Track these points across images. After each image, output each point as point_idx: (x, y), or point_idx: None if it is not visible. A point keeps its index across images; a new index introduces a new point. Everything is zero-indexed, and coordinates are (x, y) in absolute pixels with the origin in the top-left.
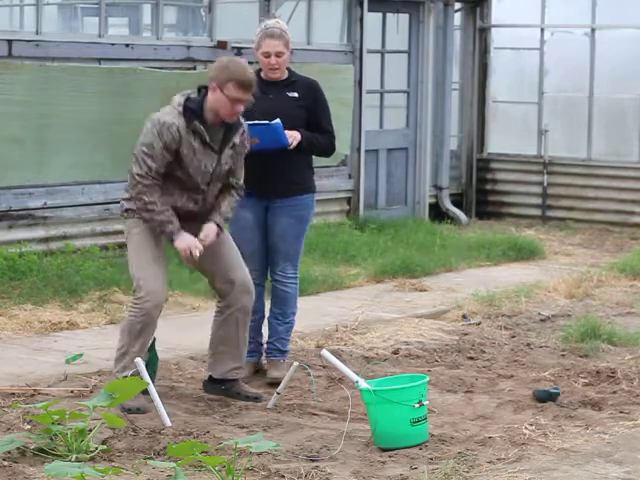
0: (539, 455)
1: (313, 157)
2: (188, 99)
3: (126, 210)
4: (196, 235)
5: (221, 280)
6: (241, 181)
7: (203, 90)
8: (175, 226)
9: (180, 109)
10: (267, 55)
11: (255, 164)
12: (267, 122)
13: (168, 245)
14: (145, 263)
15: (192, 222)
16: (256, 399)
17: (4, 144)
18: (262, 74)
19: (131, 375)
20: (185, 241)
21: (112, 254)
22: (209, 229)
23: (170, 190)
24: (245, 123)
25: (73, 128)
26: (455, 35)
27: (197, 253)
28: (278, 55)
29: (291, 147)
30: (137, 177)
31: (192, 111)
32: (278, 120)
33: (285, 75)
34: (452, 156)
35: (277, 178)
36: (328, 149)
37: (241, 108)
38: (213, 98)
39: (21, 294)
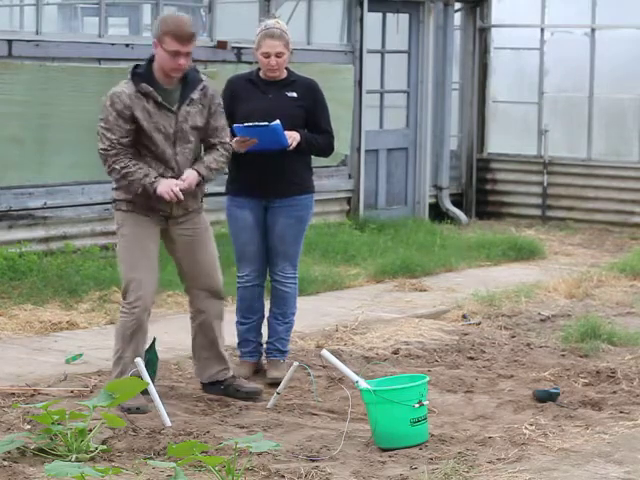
0: (539, 455)
1: (312, 157)
2: (136, 66)
3: (114, 200)
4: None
5: (197, 284)
6: (226, 139)
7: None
8: (153, 175)
9: (129, 76)
10: (267, 55)
11: (254, 164)
12: (267, 123)
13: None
14: (136, 264)
15: None
16: (256, 393)
17: (4, 144)
18: (261, 74)
19: (131, 375)
20: (165, 184)
21: (112, 254)
22: (189, 173)
23: (144, 162)
24: (242, 125)
25: (73, 128)
26: (455, 35)
27: (178, 190)
28: (278, 56)
29: (290, 148)
30: (102, 152)
31: (139, 75)
32: (278, 121)
33: (284, 75)
34: (452, 156)
35: (276, 178)
36: (327, 149)
37: (183, 61)
38: (157, 56)
39: (21, 294)
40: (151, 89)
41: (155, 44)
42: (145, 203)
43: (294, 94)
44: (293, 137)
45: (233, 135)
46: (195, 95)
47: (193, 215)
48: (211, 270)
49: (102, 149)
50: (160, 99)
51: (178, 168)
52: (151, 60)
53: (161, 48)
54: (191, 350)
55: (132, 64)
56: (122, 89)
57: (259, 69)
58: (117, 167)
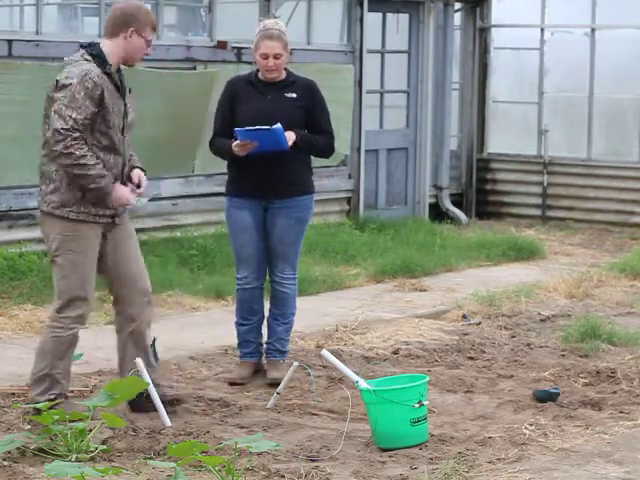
0: (539, 455)
1: (312, 158)
2: (86, 49)
3: (57, 207)
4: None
5: (135, 289)
6: None
7: (97, 42)
8: (109, 178)
9: (87, 57)
10: (265, 57)
11: (254, 165)
12: (268, 127)
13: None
14: (84, 282)
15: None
16: (178, 401)
17: (4, 144)
18: (260, 75)
19: (131, 375)
20: (122, 191)
21: None
22: (140, 175)
23: (96, 152)
24: (243, 129)
25: None
26: (455, 35)
27: (133, 198)
28: (276, 57)
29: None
30: (62, 131)
31: (99, 57)
32: (279, 125)
33: (283, 76)
34: (452, 156)
35: (276, 179)
36: (327, 150)
37: (150, 50)
38: (129, 44)
39: (21, 294)
40: (113, 71)
41: (132, 32)
42: (92, 206)
43: (293, 95)
44: (289, 136)
45: (235, 138)
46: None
47: (124, 213)
48: (145, 272)
49: (63, 129)
50: (119, 83)
51: (124, 162)
52: (95, 44)
53: (139, 37)
54: (118, 366)
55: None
56: (90, 67)
57: (258, 70)
58: (76, 153)
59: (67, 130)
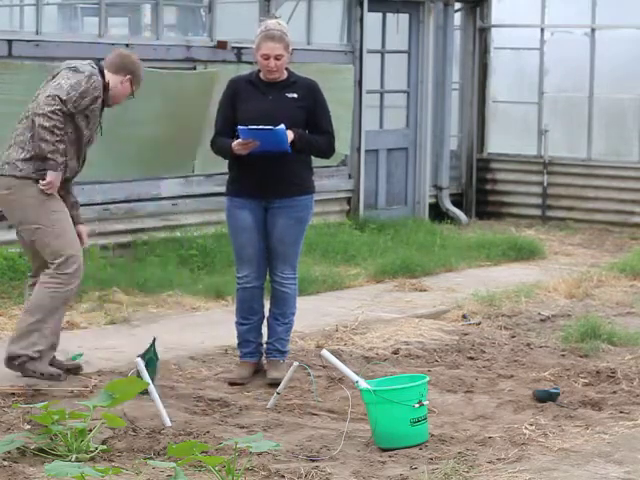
0: (539, 455)
1: (312, 158)
2: (96, 64)
3: (36, 170)
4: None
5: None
6: None
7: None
8: (63, 162)
9: (96, 71)
10: (266, 57)
11: (254, 165)
12: (271, 127)
13: None
14: (73, 241)
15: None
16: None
17: (4, 144)
18: (261, 75)
19: (131, 375)
20: (57, 178)
21: (112, 254)
22: (84, 233)
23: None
24: (247, 128)
25: None
26: (455, 35)
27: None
28: (277, 58)
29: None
30: (58, 99)
31: (102, 74)
32: (282, 126)
33: (284, 76)
34: (452, 156)
35: (276, 179)
36: (327, 150)
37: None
38: (121, 88)
39: (21, 294)
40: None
41: (128, 80)
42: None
43: (294, 95)
44: (288, 136)
45: (237, 136)
46: None
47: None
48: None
49: (60, 98)
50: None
51: (79, 168)
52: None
53: (130, 86)
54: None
55: None
56: (96, 70)
57: (259, 70)
58: (57, 123)
59: (62, 102)
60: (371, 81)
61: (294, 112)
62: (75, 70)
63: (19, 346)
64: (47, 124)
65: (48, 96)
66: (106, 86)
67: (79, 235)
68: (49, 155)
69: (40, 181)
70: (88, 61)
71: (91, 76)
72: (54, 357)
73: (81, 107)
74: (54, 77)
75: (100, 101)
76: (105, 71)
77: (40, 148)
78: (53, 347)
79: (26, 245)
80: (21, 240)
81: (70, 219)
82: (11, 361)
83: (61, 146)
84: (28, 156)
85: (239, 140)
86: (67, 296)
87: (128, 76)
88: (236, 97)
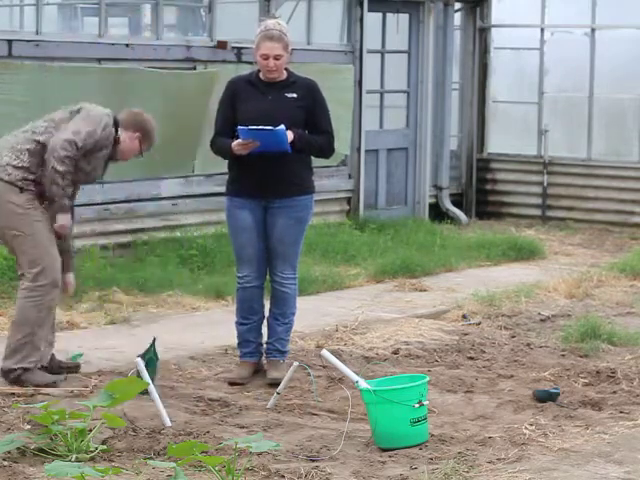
0: (539, 455)
1: (312, 158)
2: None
3: (23, 179)
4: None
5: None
6: None
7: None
8: (69, 202)
9: (111, 123)
10: (265, 57)
11: (254, 165)
12: (272, 128)
13: None
14: (50, 249)
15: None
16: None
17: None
18: (261, 75)
19: (131, 375)
20: (69, 220)
21: (112, 254)
22: (70, 281)
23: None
24: (247, 128)
25: None
26: (455, 35)
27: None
28: (276, 58)
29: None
30: (73, 145)
31: (116, 125)
32: (282, 126)
33: (284, 76)
34: (452, 156)
35: (276, 179)
36: (326, 150)
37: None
38: (130, 145)
39: None
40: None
41: (138, 137)
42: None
43: (294, 95)
44: (287, 136)
45: (237, 136)
46: None
47: None
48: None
49: (75, 143)
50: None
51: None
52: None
53: (139, 145)
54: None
55: (132, 64)
56: (111, 122)
57: (259, 70)
58: (69, 168)
59: (77, 149)
60: (371, 81)
61: (293, 112)
62: (93, 117)
63: (12, 361)
64: (61, 169)
65: (66, 140)
66: (117, 140)
67: (64, 284)
68: (57, 199)
69: (23, 190)
70: (107, 111)
71: (106, 127)
72: (53, 356)
73: (88, 153)
74: (71, 113)
75: (106, 152)
76: (119, 126)
77: (50, 190)
78: (50, 344)
79: (7, 247)
80: (3, 242)
81: (52, 231)
82: (6, 375)
83: (69, 189)
84: (20, 165)
85: (239, 140)
86: (51, 305)
87: (138, 133)
88: (236, 97)
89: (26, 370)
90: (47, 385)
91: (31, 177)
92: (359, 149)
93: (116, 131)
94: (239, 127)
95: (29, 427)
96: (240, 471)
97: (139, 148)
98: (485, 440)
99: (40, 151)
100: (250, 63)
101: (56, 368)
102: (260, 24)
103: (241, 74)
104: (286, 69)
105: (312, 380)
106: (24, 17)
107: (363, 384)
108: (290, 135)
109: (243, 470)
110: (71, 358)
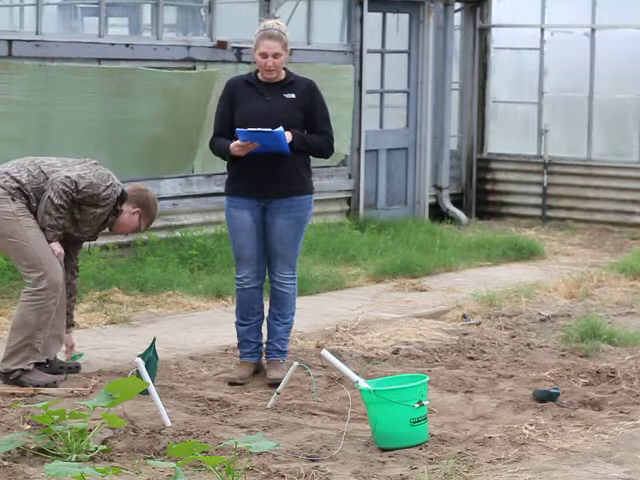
0: (539, 455)
1: (312, 158)
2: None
3: (17, 189)
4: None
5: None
6: None
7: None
8: (58, 236)
9: (117, 194)
10: (264, 56)
11: (253, 165)
12: (270, 129)
13: None
14: (46, 252)
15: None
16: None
17: (4, 144)
18: (259, 75)
19: (131, 375)
20: (59, 247)
21: (112, 254)
22: (71, 341)
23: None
24: (245, 130)
25: (73, 128)
26: (455, 35)
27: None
28: (275, 57)
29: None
30: (74, 184)
31: (120, 201)
32: (281, 128)
33: (282, 76)
34: (452, 156)
35: (275, 179)
36: (325, 150)
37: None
38: (128, 218)
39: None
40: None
41: (137, 212)
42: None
43: (292, 95)
44: (286, 137)
45: (235, 138)
46: None
47: None
48: None
49: (76, 183)
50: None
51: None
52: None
53: (138, 220)
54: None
55: (132, 64)
56: (118, 192)
57: (257, 71)
58: (64, 203)
59: (77, 191)
60: (371, 81)
61: (292, 112)
62: (102, 174)
63: (11, 363)
64: (56, 201)
65: (68, 177)
66: (118, 211)
67: (66, 345)
68: (48, 228)
69: (15, 199)
70: (124, 186)
71: (109, 188)
72: (55, 357)
73: (83, 202)
74: (84, 162)
75: (99, 213)
76: (125, 199)
77: (43, 219)
78: (60, 340)
79: (5, 254)
80: (1, 249)
81: (45, 238)
82: (6, 377)
83: (61, 222)
84: (17, 178)
85: (237, 142)
86: (51, 309)
87: (137, 208)
88: (234, 98)
89: (25, 371)
90: (47, 385)
91: (25, 192)
92: (359, 149)
93: (121, 203)
94: (237, 129)
95: (29, 427)
96: (240, 471)
97: (138, 223)
98: (485, 440)
99: (39, 181)
100: (250, 63)
101: (56, 368)
102: (259, 24)
103: (239, 75)
104: (285, 69)
105: (312, 380)
106: (24, 17)
107: (363, 384)
108: (289, 136)
109: (243, 470)
110: (71, 358)
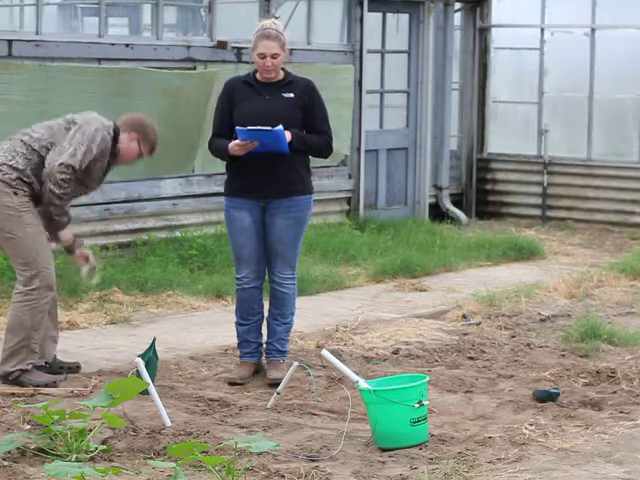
0: (539, 455)
1: (311, 158)
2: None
3: (17, 178)
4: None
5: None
6: None
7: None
8: (68, 220)
9: (109, 138)
10: (262, 56)
11: (253, 165)
12: (270, 128)
13: None
14: (47, 253)
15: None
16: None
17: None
18: (258, 75)
19: (131, 375)
20: (71, 234)
21: (112, 254)
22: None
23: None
24: (245, 129)
25: None
26: (455, 35)
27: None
28: (273, 57)
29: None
30: (71, 169)
31: (115, 139)
32: (280, 127)
33: (281, 76)
34: (452, 156)
35: (274, 179)
36: (324, 150)
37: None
38: (127, 147)
39: None
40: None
41: (135, 138)
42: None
43: (291, 95)
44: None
45: (235, 137)
46: None
47: None
48: None
49: (73, 167)
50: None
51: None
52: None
53: (138, 146)
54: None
55: (132, 64)
56: (109, 137)
57: (256, 71)
58: (66, 190)
59: (75, 171)
60: (371, 81)
61: (291, 112)
62: (88, 134)
63: (10, 365)
64: (57, 191)
65: (63, 164)
66: (117, 150)
67: (79, 257)
68: (56, 218)
69: (18, 192)
70: (108, 124)
71: (101, 142)
72: (54, 356)
73: (86, 168)
74: (68, 123)
75: (102, 164)
76: (119, 131)
77: (47, 211)
78: (54, 341)
79: (1, 249)
80: None
81: (45, 235)
82: (5, 379)
83: (67, 206)
84: (15, 166)
85: (237, 141)
86: (45, 308)
87: (135, 134)
88: (233, 98)
89: (24, 371)
90: (47, 385)
91: (26, 180)
92: (359, 149)
93: (115, 141)
94: (237, 128)
95: (29, 427)
96: (240, 471)
97: (138, 149)
98: (485, 440)
99: (36, 161)
100: (250, 63)
101: (56, 368)
102: (257, 24)
103: (238, 75)
104: (283, 69)
105: (312, 380)
106: (24, 17)
107: (363, 384)
108: (288, 135)
109: (243, 470)
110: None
